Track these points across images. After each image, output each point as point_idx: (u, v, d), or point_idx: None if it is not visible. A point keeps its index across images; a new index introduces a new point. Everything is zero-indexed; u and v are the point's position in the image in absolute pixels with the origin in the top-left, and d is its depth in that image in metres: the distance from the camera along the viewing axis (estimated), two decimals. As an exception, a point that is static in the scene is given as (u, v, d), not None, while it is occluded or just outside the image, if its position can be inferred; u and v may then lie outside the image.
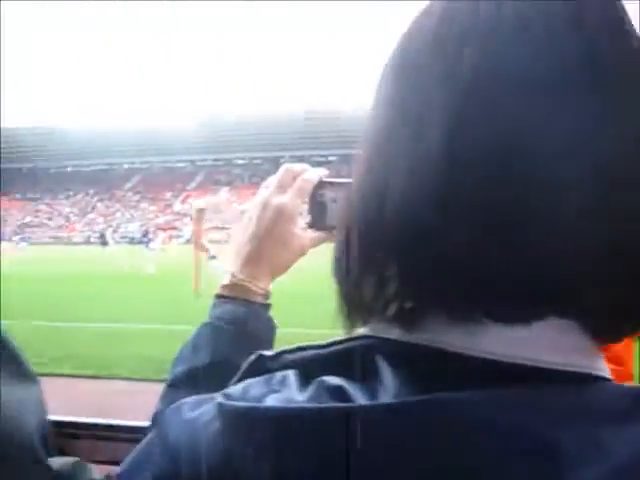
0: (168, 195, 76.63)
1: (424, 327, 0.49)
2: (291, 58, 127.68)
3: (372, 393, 0.47)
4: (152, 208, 74.45)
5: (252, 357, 0.58)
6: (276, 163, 78.49)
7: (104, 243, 42.69)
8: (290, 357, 0.54)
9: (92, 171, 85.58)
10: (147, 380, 6.86)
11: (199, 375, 0.80)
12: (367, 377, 0.48)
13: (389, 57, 0.54)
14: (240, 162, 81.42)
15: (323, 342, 0.53)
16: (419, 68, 0.49)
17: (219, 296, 0.88)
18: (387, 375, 0.48)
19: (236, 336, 0.84)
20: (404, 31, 0.53)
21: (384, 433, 0.45)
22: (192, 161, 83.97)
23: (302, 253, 0.89)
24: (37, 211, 77.24)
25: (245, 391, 0.53)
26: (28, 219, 73.92)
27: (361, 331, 0.54)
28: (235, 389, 0.54)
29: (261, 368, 0.56)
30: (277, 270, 0.89)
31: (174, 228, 62.38)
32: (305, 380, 0.50)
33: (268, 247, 0.86)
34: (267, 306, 0.89)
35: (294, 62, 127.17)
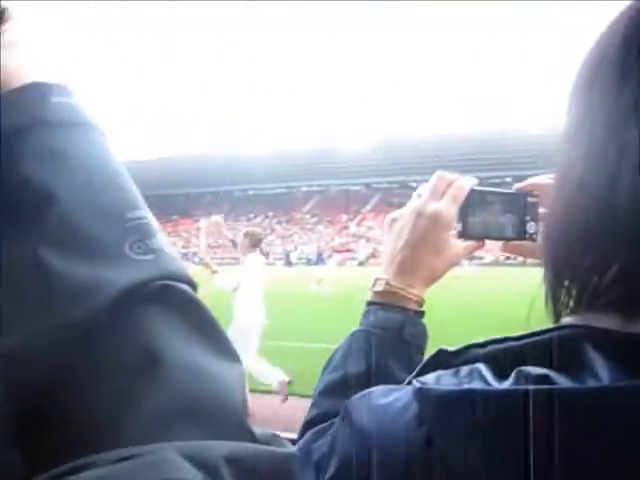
0: (344, 217, 76.98)
1: None
2: (467, 78, 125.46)
3: (582, 382, 0.45)
4: (328, 230, 75.02)
5: (433, 352, 0.57)
6: (452, 185, 76.59)
7: (289, 263, 43.38)
8: (478, 351, 0.53)
9: (272, 194, 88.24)
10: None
11: (355, 382, 0.79)
12: (574, 367, 0.47)
13: (599, 54, 0.53)
14: (414, 184, 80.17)
15: (516, 335, 0.52)
16: None
17: (372, 303, 0.89)
18: (598, 365, 0.46)
19: (392, 342, 0.83)
20: (614, 26, 0.52)
21: (605, 417, 0.43)
22: (367, 184, 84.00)
23: (455, 262, 0.90)
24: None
25: (437, 380, 0.52)
26: (211, 241, 77.18)
27: (565, 321, 0.53)
28: (427, 378, 0.53)
29: (441, 363, 0.55)
30: (430, 278, 0.89)
31: (349, 250, 62.25)
32: (498, 372, 0.50)
33: (422, 255, 0.86)
34: (421, 313, 0.89)
35: (469, 82, 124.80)
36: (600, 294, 0.50)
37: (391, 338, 0.83)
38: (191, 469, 0.33)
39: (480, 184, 0.91)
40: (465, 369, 0.52)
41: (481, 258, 50.14)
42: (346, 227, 73.48)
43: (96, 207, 0.42)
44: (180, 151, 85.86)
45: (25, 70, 0.46)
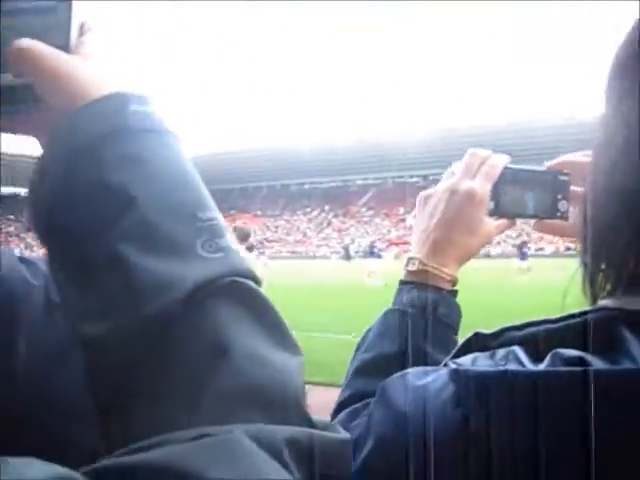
0: (401, 210, 76.18)
1: None
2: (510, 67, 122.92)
3: (617, 364, 0.45)
4: (385, 223, 74.39)
5: (469, 334, 0.58)
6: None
7: (348, 257, 43.05)
8: (514, 334, 0.54)
9: (328, 187, 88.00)
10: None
11: (389, 362, 0.79)
12: (610, 349, 0.47)
13: (631, 46, 0.54)
14: (473, 176, 78.92)
15: (553, 317, 0.52)
16: None
17: (405, 282, 0.88)
18: (634, 347, 0.46)
19: (426, 322, 0.83)
20: None
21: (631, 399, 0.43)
22: (424, 176, 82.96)
23: (488, 240, 0.89)
24: (276, 227, 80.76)
25: (473, 362, 0.53)
26: (268, 234, 77.43)
27: (601, 303, 0.53)
28: (463, 360, 0.54)
29: (478, 345, 0.56)
30: (464, 256, 0.88)
31: (406, 243, 61.49)
32: (535, 355, 0.50)
33: (456, 233, 0.86)
34: (455, 292, 0.88)
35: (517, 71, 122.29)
36: (637, 276, 0.50)
37: (425, 318, 0.83)
38: (258, 450, 0.36)
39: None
40: (501, 352, 0.52)
41: (542, 249, 48.83)
42: (403, 220, 72.66)
43: (171, 208, 0.46)
44: (236, 146, 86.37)
45: (104, 80, 0.50)
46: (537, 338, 0.51)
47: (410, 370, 0.61)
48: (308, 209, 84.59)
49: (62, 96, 0.49)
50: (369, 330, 0.87)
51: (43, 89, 0.49)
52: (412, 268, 0.87)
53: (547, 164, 0.89)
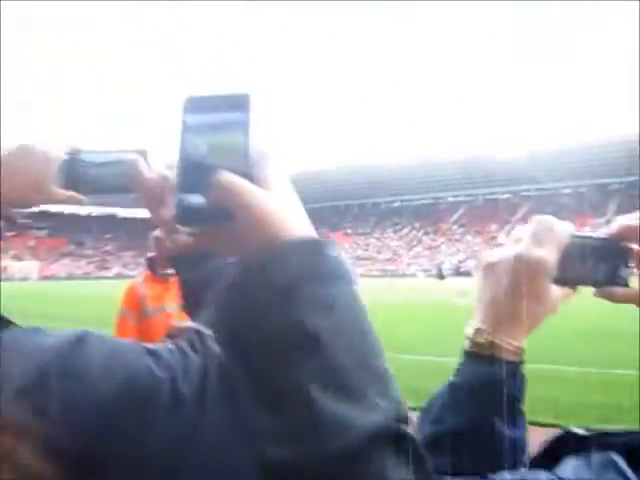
0: (493, 227, 75.47)
1: None
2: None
3: None
4: (477, 240, 73.82)
5: (559, 433, 0.57)
6: (603, 191, 73.53)
7: (441, 276, 43.34)
8: (610, 440, 0.52)
9: (418, 205, 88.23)
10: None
11: (458, 438, 0.80)
12: None
13: None
14: (566, 191, 77.80)
15: None
16: None
17: (471, 354, 0.86)
18: None
19: (494, 397, 0.81)
20: None
21: None
22: (516, 192, 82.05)
23: (555, 310, 0.86)
24: (367, 245, 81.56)
25: (576, 473, 0.51)
26: (359, 252, 78.28)
27: None
28: (566, 472, 0.53)
29: (567, 443, 0.54)
30: (531, 327, 0.85)
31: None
32: (633, 463, 0.48)
33: (525, 303, 0.83)
34: (521, 364, 0.86)
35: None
36: None
37: (493, 393, 0.81)
38: None
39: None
40: (597, 458, 0.50)
41: None
42: (495, 237, 72.05)
43: (352, 354, 0.51)
44: (325, 164, 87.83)
45: (291, 216, 0.56)
46: (637, 448, 0.50)
47: (507, 477, 0.61)
48: (398, 227, 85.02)
49: (256, 228, 0.54)
50: (434, 399, 0.88)
51: (239, 219, 0.54)
52: (480, 340, 0.85)
53: (608, 232, 0.88)
